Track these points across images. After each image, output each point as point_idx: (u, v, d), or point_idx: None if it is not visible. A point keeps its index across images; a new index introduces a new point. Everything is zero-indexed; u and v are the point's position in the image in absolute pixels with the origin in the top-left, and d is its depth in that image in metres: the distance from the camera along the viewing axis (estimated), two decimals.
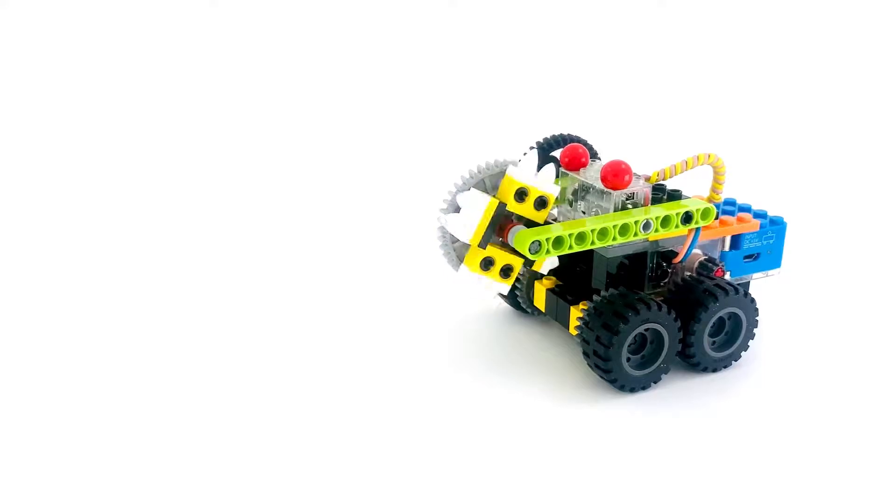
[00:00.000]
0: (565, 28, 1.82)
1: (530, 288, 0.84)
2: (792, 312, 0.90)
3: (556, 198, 0.71)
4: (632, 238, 0.70)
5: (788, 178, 1.40)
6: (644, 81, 1.75)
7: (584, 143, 0.86)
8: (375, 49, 1.80)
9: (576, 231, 0.68)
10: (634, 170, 0.81)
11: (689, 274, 0.78)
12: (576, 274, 0.83)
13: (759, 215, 0.85)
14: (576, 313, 0.76)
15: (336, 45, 1.79)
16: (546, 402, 0.73)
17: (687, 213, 0.72)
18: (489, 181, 0.72)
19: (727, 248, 0.81)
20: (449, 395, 0.74)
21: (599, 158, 0.87)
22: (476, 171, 0.71)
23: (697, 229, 0.74)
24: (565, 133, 0.86)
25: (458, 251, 0.73)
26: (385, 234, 1.16)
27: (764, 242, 0.83)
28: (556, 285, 0.82)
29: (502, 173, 0.71)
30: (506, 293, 0.78)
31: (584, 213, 0.76)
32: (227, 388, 0.75)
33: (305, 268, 1.04)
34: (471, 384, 0.76)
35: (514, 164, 0.71)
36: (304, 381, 0.77)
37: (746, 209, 0.87)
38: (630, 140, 1.44)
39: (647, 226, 0.70)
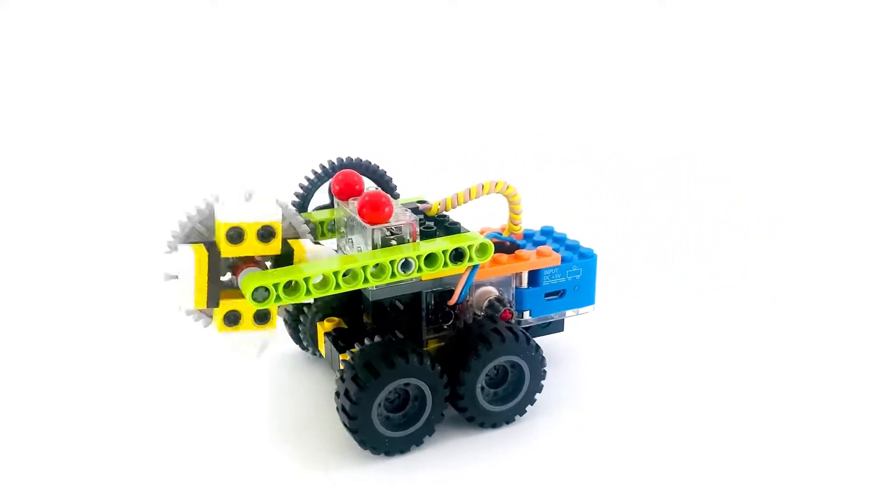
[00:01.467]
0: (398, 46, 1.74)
1: (314, 329, 0.75)
2: (602, 357, 0.81)
3: (280, 223, 0.59)
4: (389, 280, 0.62)
5: (624, 208, 1.31)
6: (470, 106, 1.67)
7: (374, 170, 0.76)
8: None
9: (313, 274, 0.59)
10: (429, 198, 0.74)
11: (478, 314, 0.70)
12: (360, 314, 0.74)
13: (571, 247, 0.77)
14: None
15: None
16: (288, 465, 0.64)
17: (457, 249, 0.63)
18: (203, 227, 0.61)
19: (524, 284, 0.73)
20: (187, 451, 0.66)
21: (396, 189, 0.78)
22: (186, 220, 0.60)
23: (474, 267, 0.66)
24: (354, 158, 0.76)
25: (205, 312, 0.62)
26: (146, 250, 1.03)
27: (569, 278, 0.75)
28: (336, 328, 0.73)
29: (213, 215, 0.61)
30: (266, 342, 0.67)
31: (358, 248, 0.67)
32: None
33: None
34: (215, 443, 0.67)
35: (219, 202, 0.60)
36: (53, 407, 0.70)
37: (561, 239, 0.79)
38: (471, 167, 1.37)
39: (406, 265, 0.61)
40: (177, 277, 0.59)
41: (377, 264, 0.61)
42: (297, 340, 0.79)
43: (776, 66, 1.72)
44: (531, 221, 0.85)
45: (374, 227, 0.63)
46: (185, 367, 0.79)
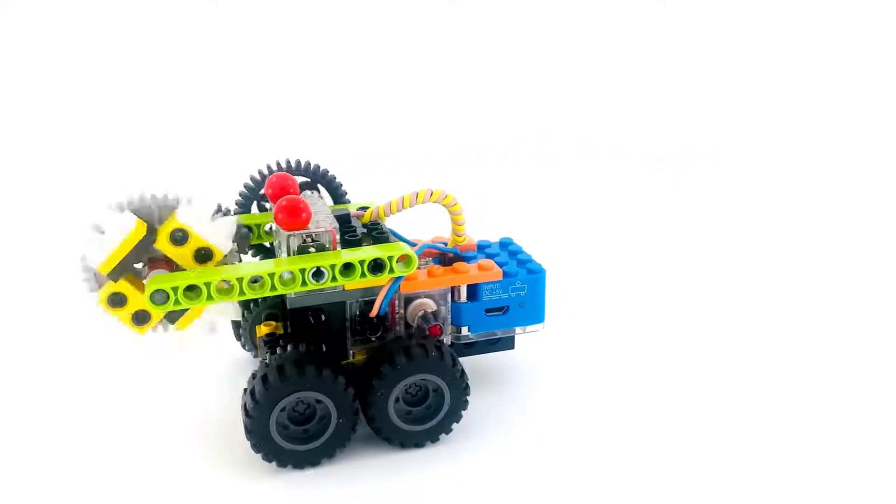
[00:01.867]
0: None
1: (253, 332, 0.74)
2: (551, 376, 0.77)
3: (226, 255, 0.61)
4: (300, 288, 0.60)
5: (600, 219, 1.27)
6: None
7: (324, 175, 0.75)
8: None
9: (214, 280, 0.57)
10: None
11: (411, 325, 0.68)
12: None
13: (522, 262, 0.74)
14: None
15: None
16: (205, 469, 0.63)
17: (376, 260, 0.61)
18: (159, 213, 0.61)
19: (463, 298, 0.70)
20: (107, 449, 0.66)
21: (345, 195, 0.76)
22: (148, 198, 0.61)
23: (397, 279, 0.63)
24: (303, 161, 0.74)
25: (98, 278, 0.62)
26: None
27: (513, 294, 0.71)
28: (270, 334, 0.71)
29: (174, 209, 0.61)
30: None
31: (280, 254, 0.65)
32: None
33: None
34: (133, 443, 0.67)
35: (187, 201, 0.61)
36: None
37: (515, 253, 0.76)
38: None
39: (318, 274, 0.59)
40: (102, 233, 0.59)
41: (288, 271, 0.59)
42: (240, 342, 0.78)
43: (773, 66, 1.64)
44: (502, 231, 0.83)
45: (291, 233, 0.61)
46: (119, 367, 0.79)
